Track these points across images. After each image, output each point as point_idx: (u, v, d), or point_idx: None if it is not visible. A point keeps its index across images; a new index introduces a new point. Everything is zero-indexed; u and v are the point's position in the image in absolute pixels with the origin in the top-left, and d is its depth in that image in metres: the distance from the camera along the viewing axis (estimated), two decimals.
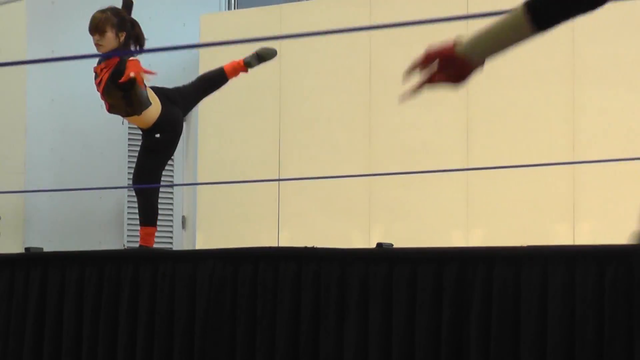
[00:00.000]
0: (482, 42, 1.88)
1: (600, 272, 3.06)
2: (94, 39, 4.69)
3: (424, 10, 6.14)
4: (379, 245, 3.72)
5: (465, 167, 5.99)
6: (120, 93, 4.66)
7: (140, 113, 4.79)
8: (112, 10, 4.77)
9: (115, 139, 7.21)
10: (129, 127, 7.01)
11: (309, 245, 3.80)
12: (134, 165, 5.89)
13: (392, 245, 3.77)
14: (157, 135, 4.88)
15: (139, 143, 5.89)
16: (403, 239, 4.61)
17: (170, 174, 7.69)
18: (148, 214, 4.81)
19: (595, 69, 6.04)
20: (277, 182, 6.65)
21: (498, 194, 5.94)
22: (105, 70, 4.68)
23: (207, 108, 7.11)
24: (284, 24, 7.01)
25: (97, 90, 4.77)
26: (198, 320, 3.89)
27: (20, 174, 6.94)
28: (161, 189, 5.49)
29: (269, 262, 3.72)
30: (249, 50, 5.50)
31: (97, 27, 4.66)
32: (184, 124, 5.72)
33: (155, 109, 4.85)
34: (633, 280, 2.98)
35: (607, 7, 2.09)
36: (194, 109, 7.44)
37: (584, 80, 6.05)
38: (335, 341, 3.55)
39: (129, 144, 7.28)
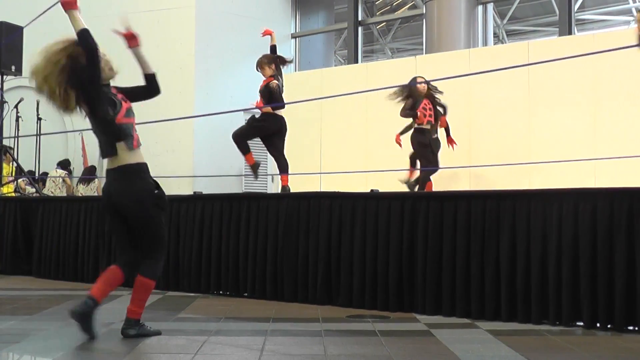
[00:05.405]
0: None
1: (594, 205, 4.30)
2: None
3: None
4: (372, 190, 5.19)
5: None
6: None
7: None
8: (265, 55, 6.65)
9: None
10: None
11: (336, 190, 5.36)
12: None
13: (379, 190, 5.15)
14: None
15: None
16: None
17: None
18: (285, 169, 6.58)
19: (612, 89, 7.32)
20: (319, 154, 8.08)
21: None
22: (262, 87, 6.53)
23: (328, 120, 8.35)
24: (324, 82, 8.52)
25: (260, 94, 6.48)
26: (279, 232, 5.43)
27: (189, 156, 8.78)
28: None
29: (316, 199, 5.27)
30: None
31: (259, 66, 6.69)
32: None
33: None
34: (597, 212, 4.25)
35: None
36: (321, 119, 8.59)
37: (603, 97, 7.39)
38: (349, 240, 5.09)
39: None
